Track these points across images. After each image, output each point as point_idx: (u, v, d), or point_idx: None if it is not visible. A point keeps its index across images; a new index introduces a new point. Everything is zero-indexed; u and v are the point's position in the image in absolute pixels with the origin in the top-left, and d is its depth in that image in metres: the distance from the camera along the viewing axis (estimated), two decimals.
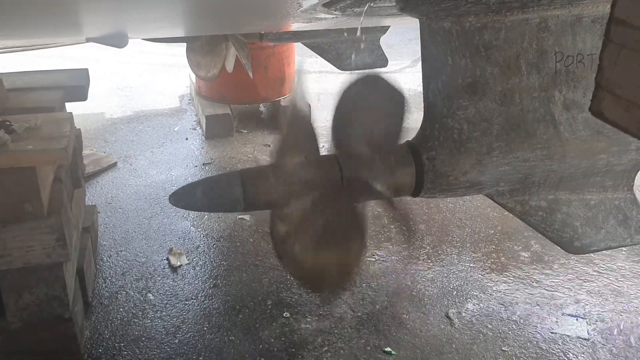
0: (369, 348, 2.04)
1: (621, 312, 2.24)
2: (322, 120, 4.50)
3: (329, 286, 1.53)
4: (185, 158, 3.65)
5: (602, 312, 2.23)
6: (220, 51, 2.95)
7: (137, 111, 4.46)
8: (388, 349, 2.03)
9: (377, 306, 2.24)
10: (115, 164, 3.50)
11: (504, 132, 1.42)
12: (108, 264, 2.52)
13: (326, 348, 2.04)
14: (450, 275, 2.44)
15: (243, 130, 4.08)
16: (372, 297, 2.28)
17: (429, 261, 2.53)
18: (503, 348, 2.04)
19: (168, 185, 3.25)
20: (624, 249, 2.57)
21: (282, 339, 2.09)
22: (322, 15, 1.54)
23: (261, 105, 4.40)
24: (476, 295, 2.32)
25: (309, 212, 1.32)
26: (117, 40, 2.03)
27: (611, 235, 1.59)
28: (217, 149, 3.78)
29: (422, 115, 1.44)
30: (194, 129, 4.13)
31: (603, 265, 2.52)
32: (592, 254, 2.58)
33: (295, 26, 2.31)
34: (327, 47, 3.07)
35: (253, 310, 2.24)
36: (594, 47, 1.46)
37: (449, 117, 1.40)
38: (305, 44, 3.10)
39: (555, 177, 1.49)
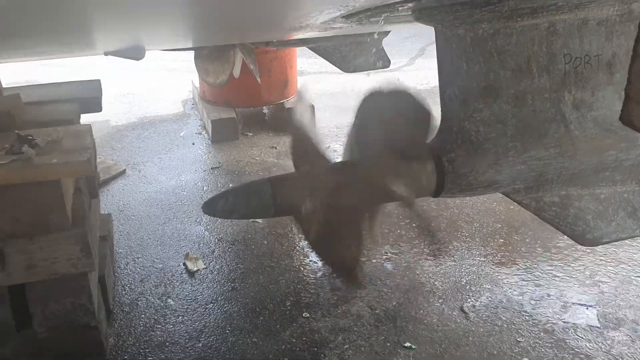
0: (388, 344, 2.10)
1: (628, 299, 2.30)
2: (325, 119, 4.54)
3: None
4: (193, 163, 3.71)
5: (610, 300, 2.30)
6: (228, 57, 3.00)
7: (141, 117, 4.51)
8: (408, 344, 2.09)
9: (394, 303, 2.30)
10: (124, 172, 3.55)
11: (518, 133, 1.48)
12: (126, 271, 2.57)
13: (347, 346, 2.10)
14: (462, 270, 2.50)
15: (248, 133, 4.13)
16: (388, 295, 2.34)
17: (441, 257, 2.59)
18: (518, 339, 2.11)
19: (179, 191, 3.30)
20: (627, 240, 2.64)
21: (304, 338, 2.15)
22: (339, 25, 1.60)
23: (264, 108, 4.45)
24: (489, 289, 2.38)
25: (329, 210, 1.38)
26: (134, 53, 2.08)
27: (621, 227, 1.65)
28: (224, 152, 3.83)
29: (440, 119, 1.49)
30: (200, 133, 4.18)
31: (608, 255, 2.59)
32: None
33: (306, 34, 2.36)
34: (332, 50, 3.12)
35: (273, 311, 2.29)
36: (599, 49, 1.53)
37: (465, 120, 1.46)
38: (310, 48, 3.15)
39: (567, 174, 1.55)
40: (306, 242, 1.55)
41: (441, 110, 1.49)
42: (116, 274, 2.54)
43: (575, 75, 1.52)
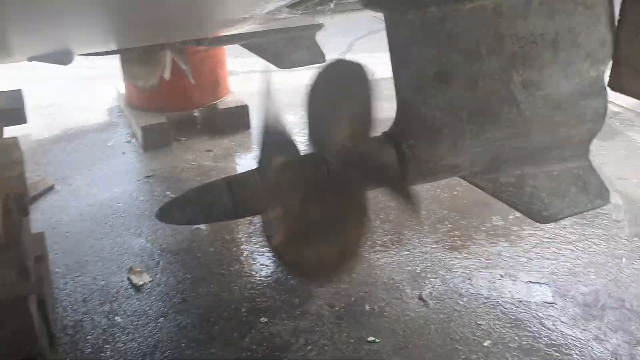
0: (352, 340, 2.07)
1: (575, 272, 2.37)
2: (259, 119, 4.47)
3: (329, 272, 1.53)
4: (126, 173, 3.54)
5: (560, 275, 2.36)
6: (158, 59, 2.88)
7: (65, 129, 4.27)
8: (371, 338, 2.07)
9: (353, 298, 2.27)
10: (52, 187, 3.34)
11: (473, 116, 1.47)
12: (65, 291, 2.41)
13: (310, 347, 2.05)
14: (416, 259, 2.50)
15: (181, 138, 3.99)
16: (346, 291, 2.31)
17: (394, 247, 2.58)
18: (478, 322, 2.12)
19: (114, 203, 3.14)
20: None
21: (264, 344, 2.08)
22: (283, 16, 1.54)
23: (195, 111, 4.32)
24: (443, 275, 2.39)
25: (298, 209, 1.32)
26: (61, 58, 1.94)
27: (574, 202, 1.68)
28: (157, 160, 3.68)
29: (396, 107, 1.47)
30: (129, 141, 4.00)
31: (552, 232, 2.66)
32: (540, 224, 2.72)
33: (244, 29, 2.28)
34: (266, 46, 3.06)
35: (228, 319, 2.21)
36: (543, 28, 1.53)
37: (421, 106, 1.43)
38: (243, 45, 3.07)
39: (521, 154, 1.56)
40: (271, 247, 1.47)
41: (397, 98, 1.46)
42: (55, 295, 2.37)
43: (522, 55, 1.52)
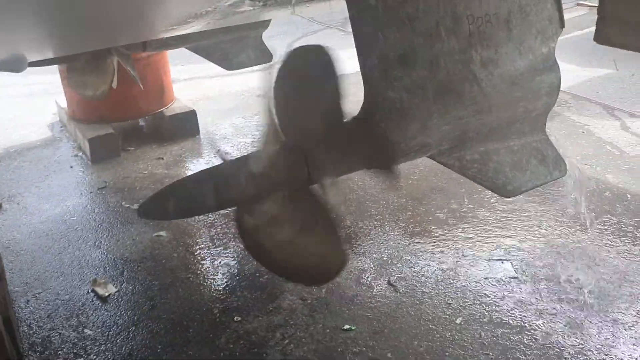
0: (328, 330, 2.08)
1: (535, 246, 2.47)
2: (211, 123, 4.43)
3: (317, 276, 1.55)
4: (77, 186, 3.44)
5: (520, 249, 2.45)
6: (106, 67, 2.81)
7: (6, 148, 4.11)
8: (347, 326, 2.09)
9: (323, 290, 2.28)
10: (0, 206, 3.20)
11: (438, 95, 1.52)
12: (28, 309, 2.32)
13: (287, 340, 2.05)
14: (381, 247, 2.54)
15: (130, 148, 3.91)
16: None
17: (358, 238, 2.62)
18: (448, 302, 2.18)
19: (68, 217, 3.05)
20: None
21: (241, 342, 2.06)
22: (243, 9, 1.54)
23: (140, 120, 4.24)
24: (409, 260, 2.44)
25: (281, 203, 1.33)
26: (12, 65, 1.87)
27: (535, 175, 1.76)
28: (108, 171, 3.59)
29: (364, 91, 1.49)
30: (76, 155, 3.89)
31: (506, 209, 2.76)
32: (492, 202, 2.83)
33: (186, 29, 2.26)
34: (213, 49, 3.04)
35: (202, 322, 2.18)
36: (497, 7, 1.60)
37: (388, 89, 1.47)
38: (189, 48, 3.04)
39: (485, 130, 1.62)
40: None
41: (364, 83, 1.49)
42: (17, 314, 2.28)
43: (479, 35, 1.58)
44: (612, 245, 2.44)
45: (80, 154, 3.90)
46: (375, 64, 1.47)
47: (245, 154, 1.39)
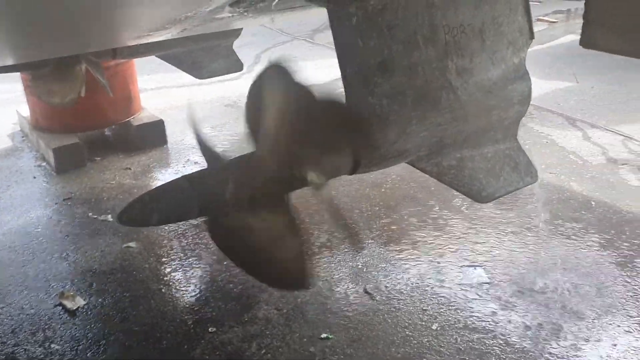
0: (305, 339, 2.07)
1: (506, 252, 2.51)
2: (181, 132, 4.35)
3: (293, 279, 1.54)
4: (40, 197, 3.35)
5: (492, 255, 2.49)
6: (75, 74, 2.75)
7: None
8: (324, 335, 2.08)
9: (299, 300, 2.27)
10: None
11: (417, 102, 1.54)
12: None
13: (264, 350, 2.03)
14: (356, 255, 2.55)
15: (96, 158, 3.82)
16: (292, 293, 2.30)
17: (333, 247, 2.62)
18: (424, 308, 2.20)
19: (32, 229, 2.96)
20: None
21: (217, 353, 2.04)
22: (223, 15, 1.54)
23: (106, 129, 4.16)
24: (384, 267, 2.45)
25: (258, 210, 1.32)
26: None
27: (508, 181, 1.80)
28: (73, 181, 3.51)
29: (345, 97, 1.50)
30: (40, 165, 3.79)
31: (474, 216, 2.81)
32: (462, 209, 2.87)
33: (159, 36, 2.23)
34: (184, 57, 3.01)
35: (175, 333, 2.15)
36: (471, 18, 1.64)
37: (368, 95, 1.48)
38: (160, 56, 3.01)
39: (461, 137, 1.65)
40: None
41: (344, 89, 1.50)
42: None
43: (455, 44, 1.61)
44: (581, 250, 2.51)
45: (44, 164, 3.80)
46: (356, 71, 1.49)
47: (226, 157, 1.38)
